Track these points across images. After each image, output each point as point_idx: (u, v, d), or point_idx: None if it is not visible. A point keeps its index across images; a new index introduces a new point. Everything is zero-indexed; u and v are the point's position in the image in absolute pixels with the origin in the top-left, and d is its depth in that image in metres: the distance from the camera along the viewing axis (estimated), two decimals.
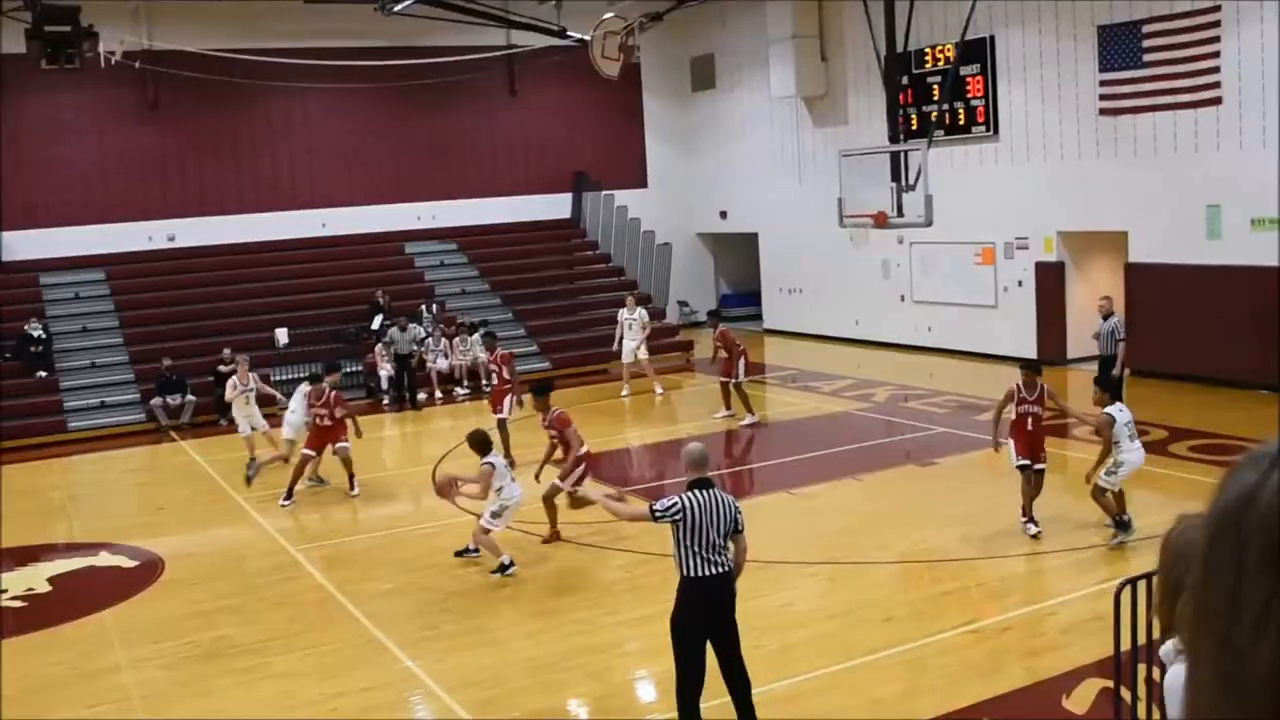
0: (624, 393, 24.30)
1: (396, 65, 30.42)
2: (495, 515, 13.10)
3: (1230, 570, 1.30)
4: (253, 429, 19.17)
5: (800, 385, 24.93)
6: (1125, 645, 8.49)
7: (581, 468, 14.42)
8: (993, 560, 12.97)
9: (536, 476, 14.91)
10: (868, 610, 11.42)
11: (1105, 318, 18.30)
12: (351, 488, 17.26)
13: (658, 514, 8.45)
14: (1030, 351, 24.92)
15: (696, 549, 8.36)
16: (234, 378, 19.67)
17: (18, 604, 13.32)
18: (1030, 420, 13.85)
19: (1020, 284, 25.54)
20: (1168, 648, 4.32)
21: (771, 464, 18.16)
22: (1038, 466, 13.79)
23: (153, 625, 12.32)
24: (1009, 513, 14.77)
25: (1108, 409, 13.01)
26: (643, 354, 24.54)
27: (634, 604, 12.08)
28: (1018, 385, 13.97)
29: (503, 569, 12.98)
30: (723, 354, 21.43)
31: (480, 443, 13.23)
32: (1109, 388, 13.69)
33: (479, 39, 30.12)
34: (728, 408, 21.49)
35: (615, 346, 24.97)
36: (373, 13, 26.36)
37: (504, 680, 10.31)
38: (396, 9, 25.15)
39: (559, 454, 14.78)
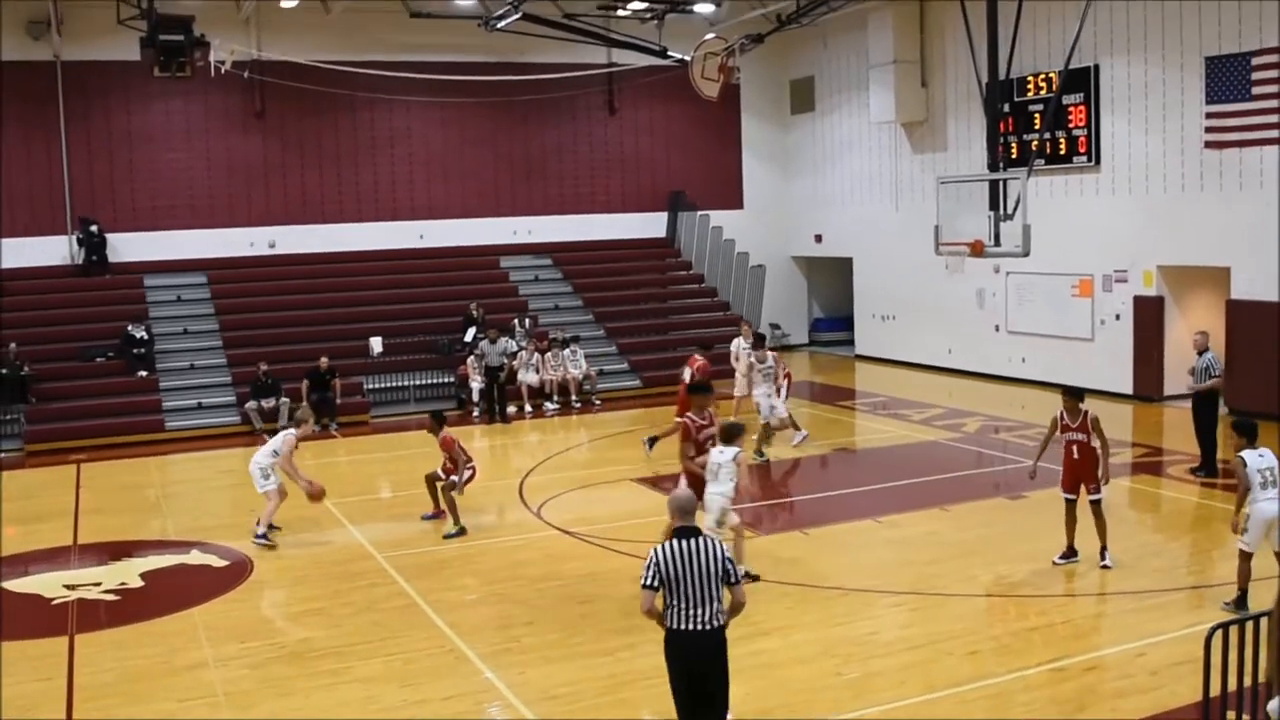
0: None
1: (498, 80, 30.75)
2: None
3: None
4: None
5: (890, 412, 24.72)
6: (1215, 691, 8.32)
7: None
8: (1081, 598, 12.76)
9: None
10: (951, 643, 11.28)
11: (1201, 353, 17.94)
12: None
13: (644, 586, 7.95)
14: (1127, 387, 24.58)
15: (674, 601, 7.92)
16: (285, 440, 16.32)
17: (111, 597, 13.60)
18: (1075, 448, 13.62)
19: (1118, 317, 25.15)
20: (1275, 706, 4.24)
21: (859, 491, 17.98)
22: (1092, 498, 13.54)
23: (240, 625, 12.51)
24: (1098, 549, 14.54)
25: (1241, 452, 11.89)
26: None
27: None
28: (1061, 413, 13.78)
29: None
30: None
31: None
32: (1246, 431, 12.06)
33: (580, 56, 30.36)
34: (795, 428, 21.24)
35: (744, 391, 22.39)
36: (477, 28, 26.73)
37: (583, 696, 10.32)
38: (500, 25, 25.44)
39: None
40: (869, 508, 16.71)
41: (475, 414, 25.50)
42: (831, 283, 35.60)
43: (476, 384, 25.74)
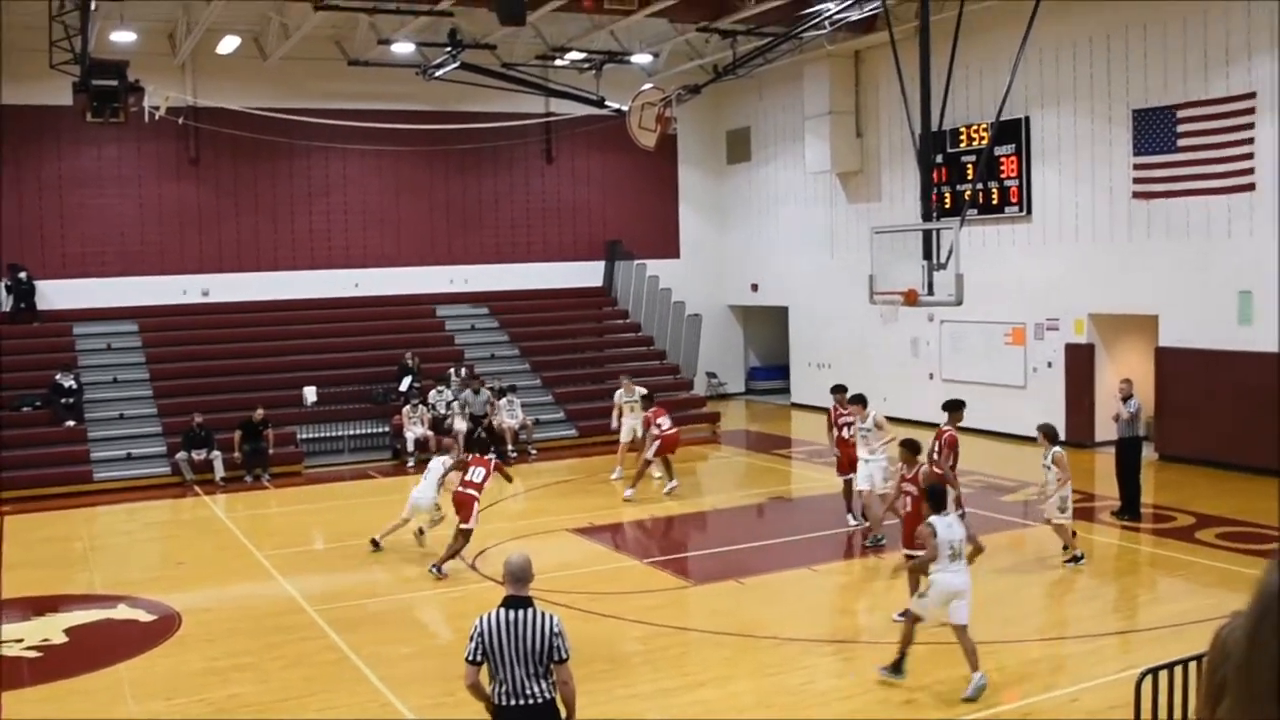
0: (614, 475, 23.13)
1: (435, 129, 30.74)
2: None
3: (1274, 660, 1.28)
4: None
5: (825, 460, 24.76)
6: None
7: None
8: (1013, 644, 12.81)
9: None
10: (888, 691, 11.27)
11: (1125, 400, 18.17)
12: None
13: (466, 660, 7.53)
14: (1059, 434, 24.76)
15: (497, 674, 7.43)
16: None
17: (34, 654, 13.29)
18: (909, 501, 13.70)
19: (1050, 365, 25.44)
20: None
21: (794, 540, 18.00)
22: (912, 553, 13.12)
23: (167, 680, 12.27)
24: (1032, 595, 14.65)
25: (930, 519, 11.44)
26: (641, 433, 23.82)
27: (651, 677, 11.96)
28: (901, 467, 13.91)
29: None
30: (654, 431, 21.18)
31: None
32: (934, 498, 11.68)
33: (518, 105, 30.45)
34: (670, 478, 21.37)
35: (614, 424, 23.67)
36: (414, 77, 26.76)
37: None
38: (438, 75, 25.48)
39: None
40: (804, 556, 16.74)
41: (410, 464, 25.30)
42: (767, 331, 35.77)
43: (412, 434, 25.56)
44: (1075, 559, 15.67)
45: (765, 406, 33.91)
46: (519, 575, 7.71)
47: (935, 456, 15.99)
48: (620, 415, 23.48)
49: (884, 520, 16.47)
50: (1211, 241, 21.94)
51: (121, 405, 26.35)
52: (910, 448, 14.16)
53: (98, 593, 16.06)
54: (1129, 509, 18.15)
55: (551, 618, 7.55)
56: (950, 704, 10.93)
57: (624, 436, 23.37)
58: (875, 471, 17.47)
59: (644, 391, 23.10)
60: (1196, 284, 22.15)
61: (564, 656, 7.45)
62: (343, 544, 18.36)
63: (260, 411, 24.63)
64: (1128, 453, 18.24)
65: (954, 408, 17.07)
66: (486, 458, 17.14)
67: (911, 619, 11.47)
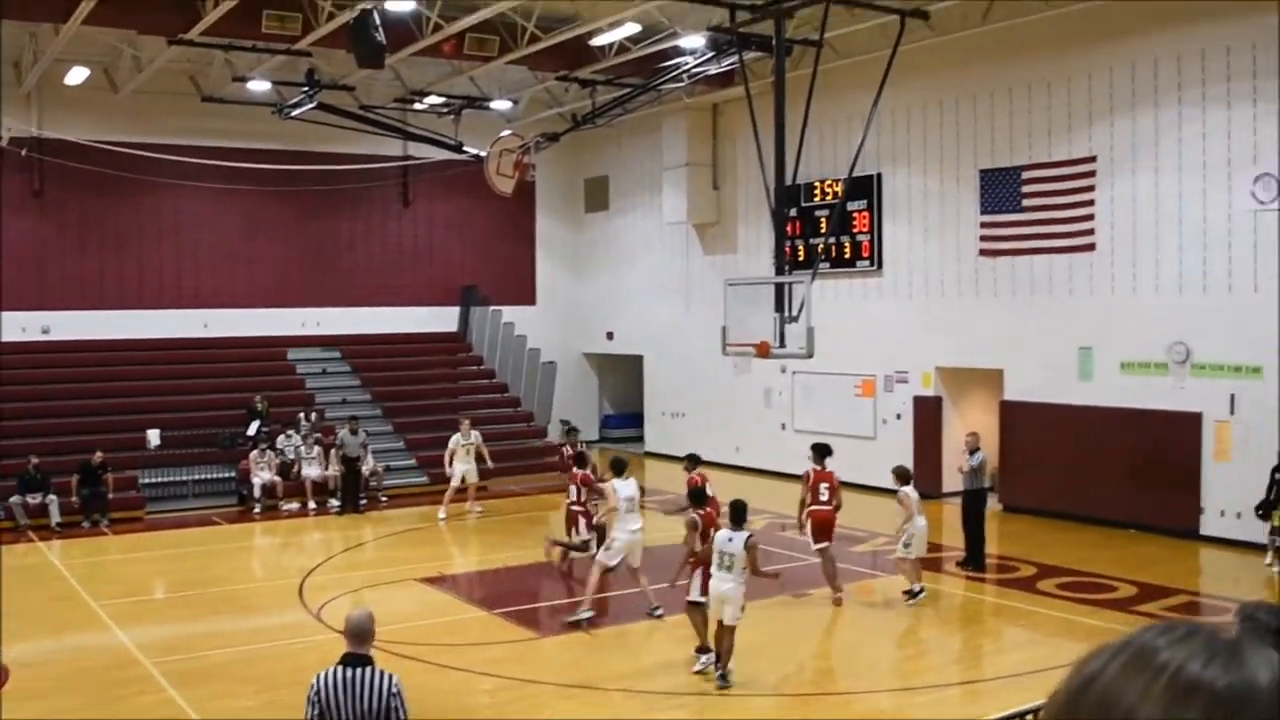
0: (440, 516, 23.61)
1: (290, 169, 30.28)
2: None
3: None
4: None
5: (678, 509, 24.84)
6: None
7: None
8: (862, 695, 12.92)
9: None
10: None
11: (971, 452, 18.55)
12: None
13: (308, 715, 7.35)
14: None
15: None
16: None
17: None
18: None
19: (899, 417, 25.89)
20: None
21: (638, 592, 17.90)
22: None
23: None
24: (884, 645, 14.82)
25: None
26: (472, 477, 24.11)
27: None
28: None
29: None
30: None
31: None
32: (735, 512, 13.68)
33: (375, 148, 30.22)
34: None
35: (448, 469, 23.88)
36: (270, 115, 26.37)
37: None
38: (295, 114, 25.14)
39: None
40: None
41: (256, 510, 24.73)
42: (622, 380, 35.85)
43: (259, 480, 25.01)
44: (912, 593, 16.21)
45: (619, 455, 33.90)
46: (358, 633, 7.56)
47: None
48: (453, 458, 23.84)
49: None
50: (1054, 298, 22.60)
51: None
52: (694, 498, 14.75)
53: None
54: (973, 559, 18.51)
55: (391, 677, 7.40)
56: None
57: (454, 481, 23.73)
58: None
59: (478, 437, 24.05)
60: (1039, 340, 22.78)
61: (402, 718, 7.31)
62: (184, 593, 17.87)
63: (99, 454, 23.88)
64: (972, 504, 18.60)
65: (823, 452, 17.38)
66: (577, 472, 18.25)
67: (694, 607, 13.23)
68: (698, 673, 13.25)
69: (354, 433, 25.34)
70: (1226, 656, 1.27)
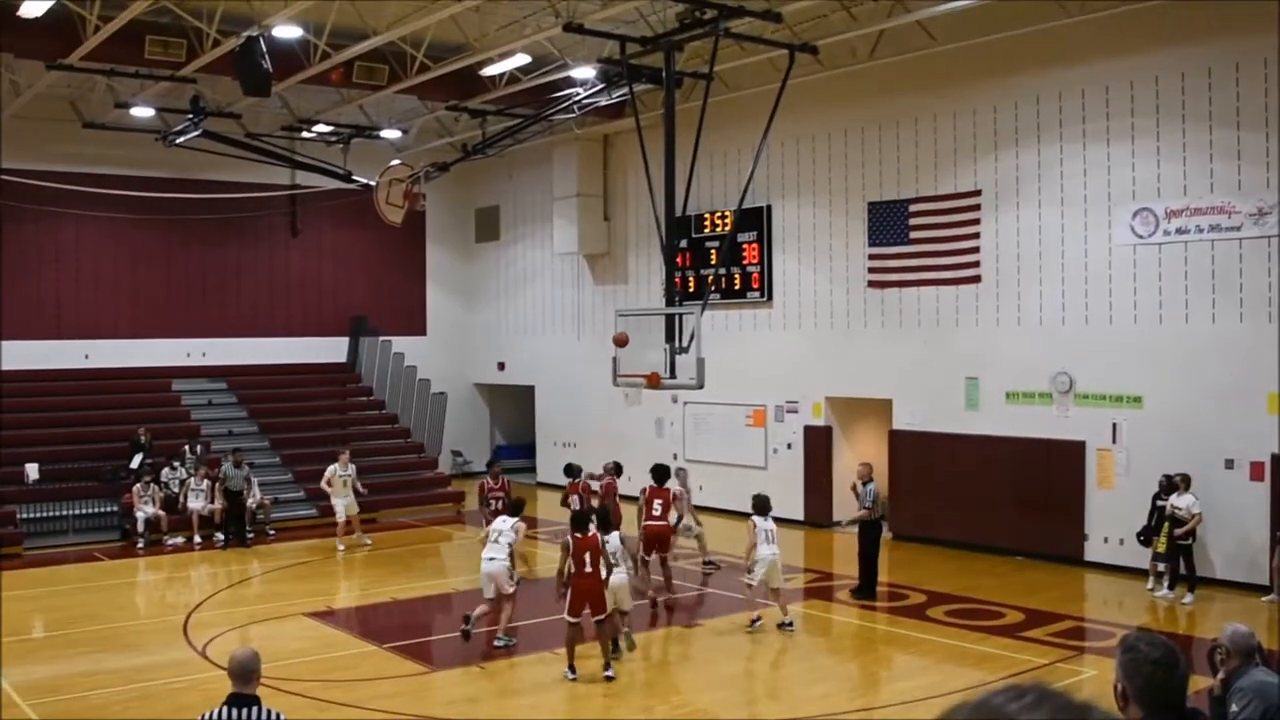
0: (340, 549, 23.64)
1: (175, 197, 29.75)
2: None
3: None
4: None
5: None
6: None
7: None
8: None
9: None
10: None
11: (865, 483, 18.70)
12: None
13: None
14: (798, 513, 25.40)
15: None
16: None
17: None
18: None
19: (789, 446, 26.07)
20: None
21: (533, 623, 17.73)
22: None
23: None
24: (778, 674, 14.87)
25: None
26: (353, 509, 23.97)
27: None
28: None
29: None
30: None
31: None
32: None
33: (263, 176, 29.87)
34: None
35: (332, 499, 24.09)
36: (154, 142, 25.93)
37: None
38: (179, 141, 24.76)
39: None
40: (543, 640, 16.46)
41: (140, 545, 24.16)
42: (514, 410, 35.68)
43: (143, 514, 24.45)
44: (752, 621, 16.70)
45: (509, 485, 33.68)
46: (243, 672, 7.42)
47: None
48: (331, 490, 23.93)
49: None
50: (941, 329, 22.96)
51: None
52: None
53: None
54: (866, 589, 18.61)
55: (279, 716, 7.29)
56: None
57: (339, 515, 23.73)
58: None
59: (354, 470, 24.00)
60: (927, 370, 23.11)
61: None
62: (65, 631, 17.38)
63: None
64: (868, 534, 18.68)
65: (661, 473, 19.29)
66: (665, 488, 18.86)
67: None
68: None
69: (238, 465, 24.94)
70: None
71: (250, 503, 25.08)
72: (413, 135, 30.51)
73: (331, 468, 24.06)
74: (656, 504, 18.80)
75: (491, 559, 15.97)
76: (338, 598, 19.39)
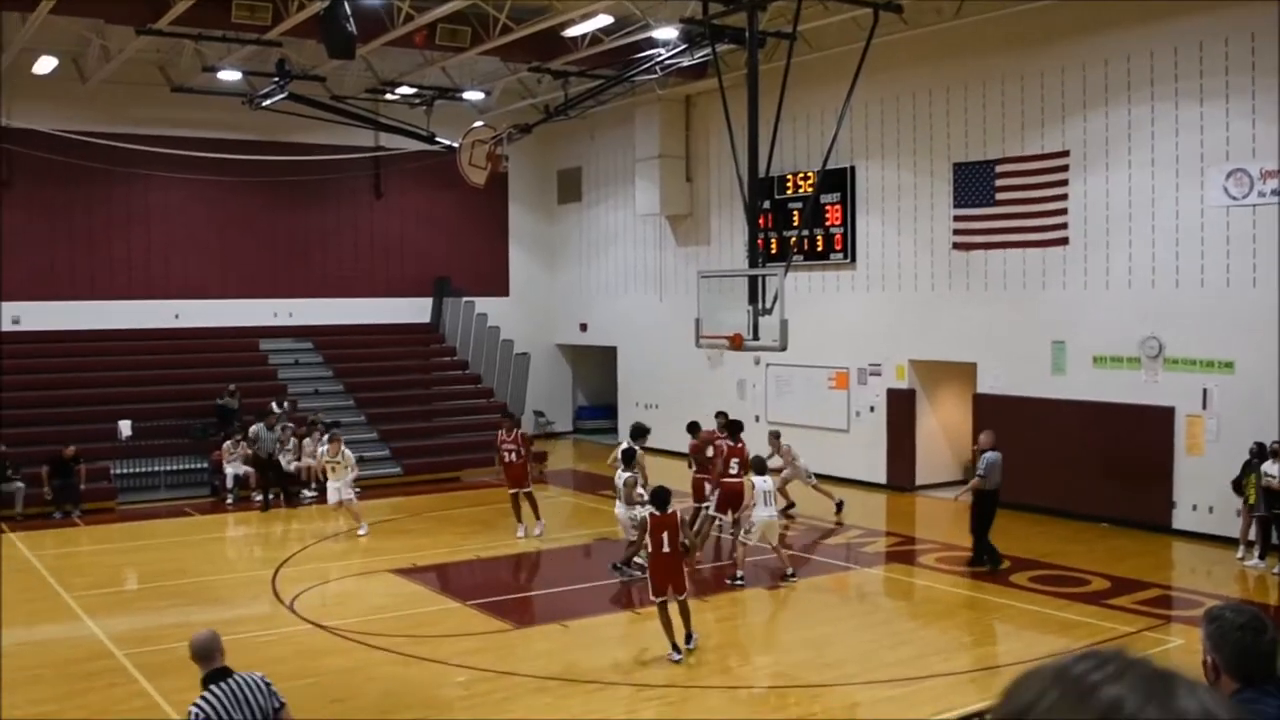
0: (361, 530, 21.82)
1: (261, 160, 30.10)
2: None
3: None
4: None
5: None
6: None
7: None
8: (836, 688, 12.94)
9: None
10: None
11: (984, 453, 18.37)
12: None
13: None
14: (881, 477, 25.31)
15: None
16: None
17: None
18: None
19: (872, 409, 25.93)
20: None
21: (618, 582, 17.89)
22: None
23: None
24: (857, 638, 14.84)
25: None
26: (347, 494, 21.58)
27: None
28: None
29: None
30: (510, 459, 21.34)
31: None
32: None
33: (347, 139, 30.06)
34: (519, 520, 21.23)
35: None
36: (241, 106, 26.21)
37: None
38: (266, 104, 25.01)
39: None
40: (630, 598, 16.69)
41: (229, 501, 24.62)
42: (596, 372, 35.80)
43: (232, 470, 24.89)
44: (734, 580, 17.19)
45: (592, 446, 33.87)
46: (206, 653, 7.48)
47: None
48: (324, 473, 22.69)
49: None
50: (1027, 292, 22.66)
51: None
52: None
53: None
54: (979, 558, 18.24)
55: (257, 674, 7.48)
56: None
57: (331, 498, 21.78)
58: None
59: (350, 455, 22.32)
60: (1012, 334, 22.84)
61: (283, 700, 7.45)
62: (156, 584, 17.78)
63: (71, 448, 23.72)
64: (982, 505, 18.32)
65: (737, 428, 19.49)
66: (738, 445, 18.85)
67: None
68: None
69: (270, 428, 24.98)
70: (1161, 694, 1.28)
71: (289, 465, 25.22)
72: (495, 97, 30.59)
73: (321, 449, 23.44)
74: (734, 462, 18.73)
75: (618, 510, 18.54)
76: (423, 555, 19.61)
